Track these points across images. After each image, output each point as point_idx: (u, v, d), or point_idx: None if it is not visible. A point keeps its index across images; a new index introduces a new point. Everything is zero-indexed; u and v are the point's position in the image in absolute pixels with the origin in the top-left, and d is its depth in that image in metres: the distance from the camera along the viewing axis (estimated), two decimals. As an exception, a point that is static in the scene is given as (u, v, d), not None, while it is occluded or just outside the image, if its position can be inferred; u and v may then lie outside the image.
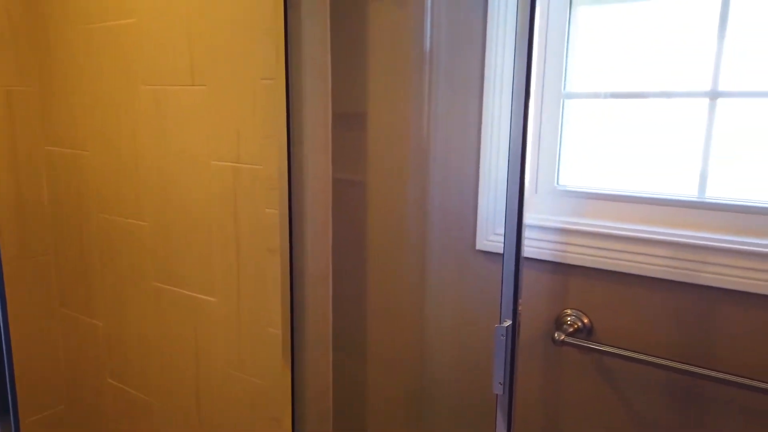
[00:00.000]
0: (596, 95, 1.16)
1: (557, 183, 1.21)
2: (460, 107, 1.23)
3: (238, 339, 1.62)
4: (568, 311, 1.16)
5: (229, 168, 1.55)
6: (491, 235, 1.22)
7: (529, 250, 1.19)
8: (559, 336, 1.11)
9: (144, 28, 1.62)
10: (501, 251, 1.21)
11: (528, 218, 1.25)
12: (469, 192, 1.24)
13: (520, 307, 1.09)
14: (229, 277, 1.61)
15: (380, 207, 1.39)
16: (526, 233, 1.19)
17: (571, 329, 1.14)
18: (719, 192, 1.05)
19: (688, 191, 1.08)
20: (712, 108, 1.04)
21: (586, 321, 1.14)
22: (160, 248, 1.74)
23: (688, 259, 1.02)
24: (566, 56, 1.16)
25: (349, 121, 1.41)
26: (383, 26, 1.31)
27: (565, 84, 1.18)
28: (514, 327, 1.05)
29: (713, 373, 0.98)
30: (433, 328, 1.36)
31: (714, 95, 1.04)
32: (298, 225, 1.42)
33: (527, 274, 1.21)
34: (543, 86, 1.19)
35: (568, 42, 1.16)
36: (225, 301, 1.63)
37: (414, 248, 1.36)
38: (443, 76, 1.24)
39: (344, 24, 1.38)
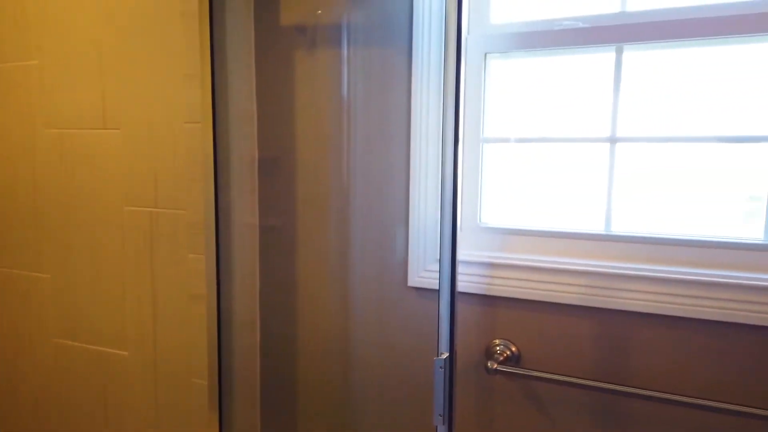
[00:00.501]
0: (510, 140, 1.27)
1: (479, 221, 1.30)
2: (388, 151, 1.29)
3: (155, 394, 1.54)
4: (497, 341, 1.23)
5: (145, 213, 1.49)
6: (422, 272, 1.27)
7: (457, 284, 1.26)
8: (492, 365, 1.17)
9: (48, 69, 1.55)
10: (432, 287, 1.27)
11: (454, 255, 1.32)
12: (401, 232, 1.29)
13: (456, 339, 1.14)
14: (143, 327, 1.53)
15: (308, 250, 1.40)
16: (455, 269, 1.26)
17: (501, 358, 1.21)
18: (623, 226, 1.18)
19: (596, 226, 1.21)
20: (612, 151, 1.18)
21: (514, 349, 1.22)
22: (63, 301, 1.62)
23: (600, 286, 1.13)
24: (483, 104, 1.27)
25: (275, 165, 1.42)
26: (307, 73, 1.35)
27: (483, 130, 1.28)
28: (452, 359, 1.10)
29: (630, 389, 1.08)
30: (367, 367, 1.38)
31: (613, 140, 1.18)
32: (226, 270, 1.39)
33: (457, 308, 1.27)
34: (464, 132, 1.28)
35: (484, 91, 1.26)
36: (139, 353, 1.54)
37: (344, 289, 1.38)
38: (369, 121, 1.30)
39: (269, 69, 1.40)
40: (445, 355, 1.10)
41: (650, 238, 1.15)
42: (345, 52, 1.32)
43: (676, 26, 1.09)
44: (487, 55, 1.26)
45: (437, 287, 1.26)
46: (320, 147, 1.36)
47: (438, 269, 1.26)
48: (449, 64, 1.01)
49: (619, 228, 1.19)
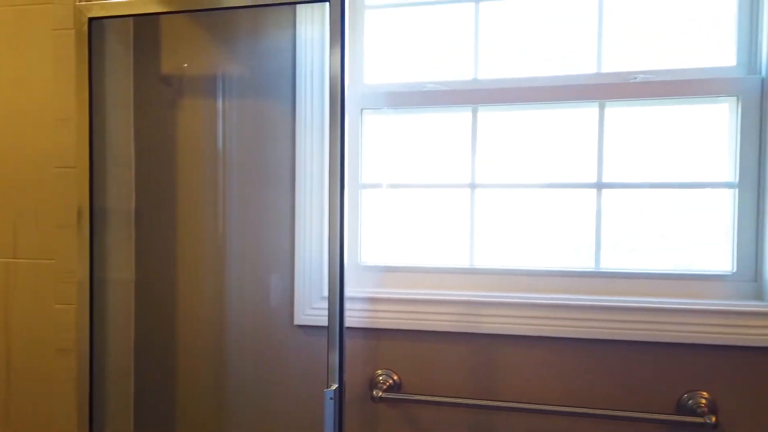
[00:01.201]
0: (383, 186, 1.40)
1: (360, 260, 1.40)
2: (272, 196, 1.36)
3: (11, 463, 1.39)
4: (380, 371, 1.32)
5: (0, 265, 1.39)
6: (308, 311, 1.34)
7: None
8: (376, 393, 1.26)
9: None
10: (318, 324, 1.33)
11: (337, 293, 1.40)
12: (286, 275, 1.35)
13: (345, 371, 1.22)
14: (-1, 390, 1.40)
15: (187, 298, 1.40)
16: (339, 306, 1.34)
17: (384, 386, 1.30)
18: (486, 260, 1.36)
19: (462, 261, 1.37)
20: (472, 196, 1.36)
21: (395, 377, 1.32)
22: None
23: (468, 313, 1.29)
24: (360, 154, 1.40)
25: (153, 212, 1.41)
26: (187, 121, 1.39)
27: (360, 176, 1.40)
28: (341, 390, 1.17)
29: (500, 404, 1.23)
30: (253, 408, 1.38)
31: (473, 186, 1.36)
32: (99, 320, 1.33)
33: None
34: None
35: (361, 142, 1.40)
36: (-7, 419, 1.40)
37: (227, 336, 1.39)
38: (253, 169, 1.36)
39: (149, 117, 1.41)
40: (335, 386, 1.17)
41: (508, 270, 1.34)
42: (226, 102, 1.38)
43: (517, 92, 1.32)
44: (363, 110, 1.40)
45: (324, 324, 1.33)
46: (199, 194, 1.39)
47: (323, 307, 1.33)
48: (334, 119, 1.12)
49: (482, 262, 1.36)
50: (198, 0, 1.22)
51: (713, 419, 1.12)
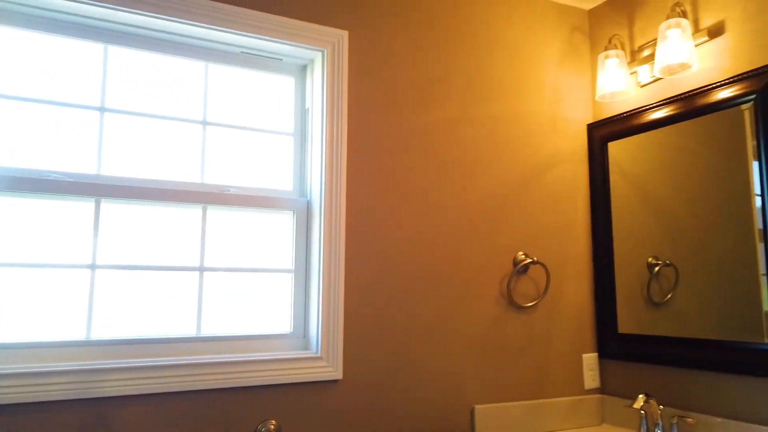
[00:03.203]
0: (-1, 265, 1.45)
1: (-39, 339, 1.38)
2: None
3: None
4: (-19, 451, 1.31)
5: None
6: None
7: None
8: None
9: None
10: None
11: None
12: None
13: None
14: None
15: None
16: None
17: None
18: (102, 331, 1.53)
19: (79, 334, 1.51)
20: (92, 277, 1.54)
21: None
22: None
23: (84, 380, 1.43)
24: (-28, 232, 1.41)
25: None
26: None
27: (-30, 254, 1.41)
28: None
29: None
30: None
31: (93, 267, 1.55)
32: None
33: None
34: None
35: (-27, 221, 1.42)
36: None
37: None
38: None
39: None
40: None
41: (124, 339, 1.54)
42: None
43: (134, 190, 1.61)
44: (-20, 190, 1.44)
45: None
46: None
47: None
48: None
49: (98, 334, 1.53)
50: None
51: (279, 437, 1.57)
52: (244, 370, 1.60)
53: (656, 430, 1.80)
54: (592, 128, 2.25)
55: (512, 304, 2.02)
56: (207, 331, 1.67)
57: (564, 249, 2.15)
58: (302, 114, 1.90)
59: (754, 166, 1.72)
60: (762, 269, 1.69)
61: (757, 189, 1.71)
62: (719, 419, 1.72)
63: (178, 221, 1.68)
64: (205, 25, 1.67)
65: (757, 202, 1.70)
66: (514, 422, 1.94)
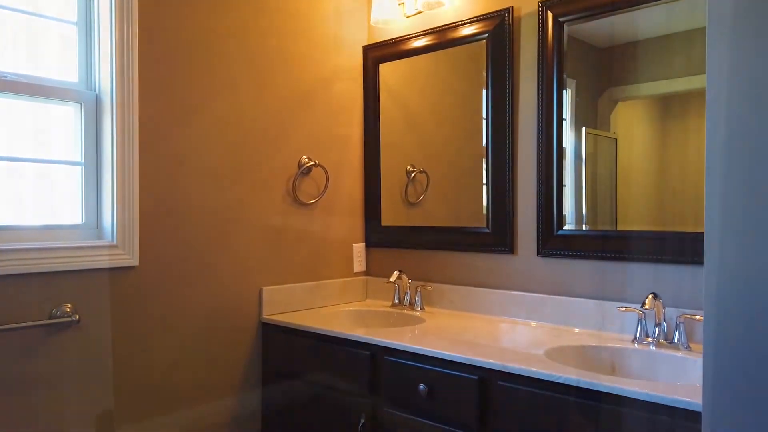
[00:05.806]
0: None
1: None
2: None
3: None
4: None
5: None
6: None
7: None
8: None
9: None
10: None
11: None
12: None
13: None
14: None
15: None
16: None
17: None
18: None
19: None
20: None
21: None
22: None
23: None
24: None
25: None
26: None
27: None
28: None
29: None
30: None
31: None
32: None
33: None
34: None
35: None
36: None
37: None
38: None
39: None
40: None
41: None
42: None
43: None
44: None
45: None
46: None
47: None
48: None
49: None
50: None
51: (77, 317, 1.64)
52: (38, 257, 1.62)
53: (405, 296, 2.29)
54: (367, 50, 2.56)
55: (296, 201, 2.29)
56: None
57: (341, 155, 2.47)
58: (86, 1, 1.84)
59: (483, 93, 2.20)
60: (483, 179, 2.21)
61: (484, 113, 2.20)
62: (449, 285, 2.26)
63: (-53, 104, 1.56)
64: None
65: (484, 125, 2.20)
66: (295, 300, 2.26)
